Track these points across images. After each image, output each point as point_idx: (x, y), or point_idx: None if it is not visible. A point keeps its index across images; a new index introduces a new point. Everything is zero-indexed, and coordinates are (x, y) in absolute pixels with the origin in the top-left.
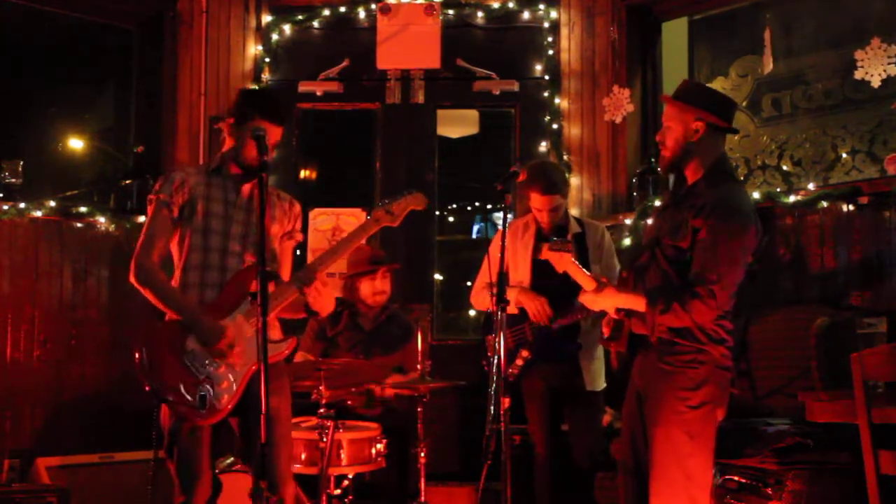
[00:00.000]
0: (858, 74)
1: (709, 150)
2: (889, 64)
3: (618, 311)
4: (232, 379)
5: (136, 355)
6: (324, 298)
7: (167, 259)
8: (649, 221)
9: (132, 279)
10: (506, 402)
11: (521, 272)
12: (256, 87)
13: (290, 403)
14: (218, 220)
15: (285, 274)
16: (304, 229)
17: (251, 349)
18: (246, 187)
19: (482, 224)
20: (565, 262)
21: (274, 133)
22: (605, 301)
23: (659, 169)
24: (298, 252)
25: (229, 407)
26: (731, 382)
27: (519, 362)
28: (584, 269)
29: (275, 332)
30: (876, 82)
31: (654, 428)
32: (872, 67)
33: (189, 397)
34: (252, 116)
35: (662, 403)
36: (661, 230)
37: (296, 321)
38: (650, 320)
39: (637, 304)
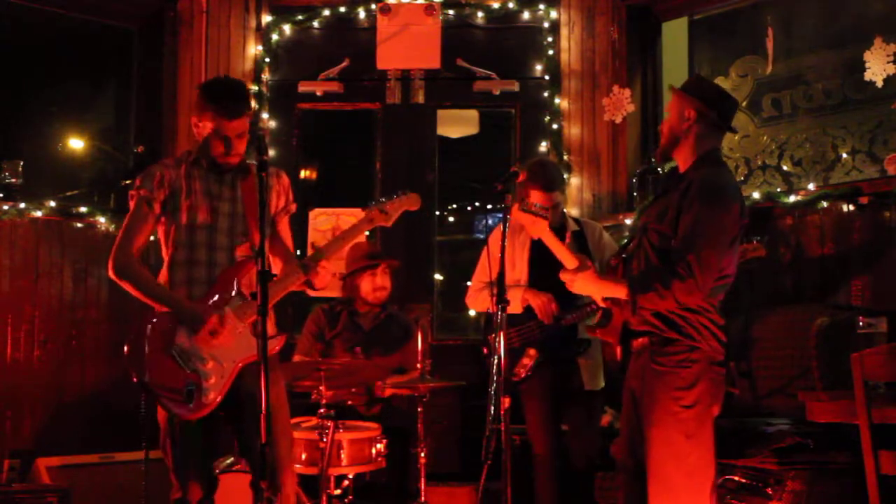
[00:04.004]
0: (868, 75)
1: (700, 141)
2: (888, 63)
3: (605, 298)
4: (219, 375)
5: (126, 348)
6: (324, 276)
7: (158, 256)
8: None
9: (110, 273)
10: (506, 402)
11: (518, 270)
12: (212, 81)
13: (285, 394)
14: (202, 213)
15: (289, 244)
16: (305, 229)
17: (239, 345)
18: (228, 176)
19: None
20: (540, 229)
21: (232, 127)
22: (583, 283)
23: (654, 158)
24: (298, 252)
25: (217, 402)
26: (726, 377)
27: (527, 361)
28: (563, 244)
29: (268, 326)
30: (880, 82)
31: (650, 429)
32: (876, 66)
33: (176, 392)
34: (207, 113)
35: (657, 404)
36: (650, 216)
37: (293, 321)
38: (633, 304)
39: (619, 291)
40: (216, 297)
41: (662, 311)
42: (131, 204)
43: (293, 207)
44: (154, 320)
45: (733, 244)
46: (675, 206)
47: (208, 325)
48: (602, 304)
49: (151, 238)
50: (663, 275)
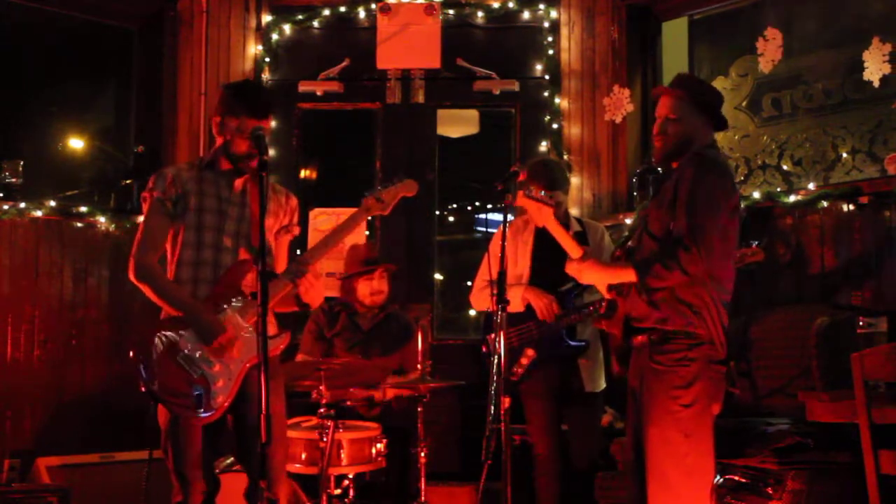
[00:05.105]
0: (867, 75)
1: (702, 143)
2: (884, 62)
3: (609, 289)
4: (227, 377)
5: (131, 355)
6: (315, 290)
7: (161, 255)
8: None
9: (131, 276)
10: (506, 402)
11: (520, 268)
12: (240, 82)
13: (284, 402)
14: (211, 215)
15: (280, 268)
16: (305, 229)
17: (245, 347)
18: (238, 182)
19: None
20: (545, 216)
21: (259, 126)
22: (590, 272)
23: (655, 159)
24: (298, 251)
25: (226, 405)
26: (726, 376)
27: (524, 361)
28: (568, 232)
29: (270, 327)
30: (876, 81)
31: (649, 428)
32: (874, 66)
33: (185, 397)
34: (235, 113)
35: (656, 403)
36: (649, 208)
37: (295, 321)
38: (643, 286)
39: (626, 275)
40: (217, 298)
41: (670, 293)
42: (145, 207)
43: (296, 230)
44: (159, 326)
45: (732, 212)
46: (671, 189)
47: (219, 341)
48: (607, 296)
49: None
50: (667, 250)
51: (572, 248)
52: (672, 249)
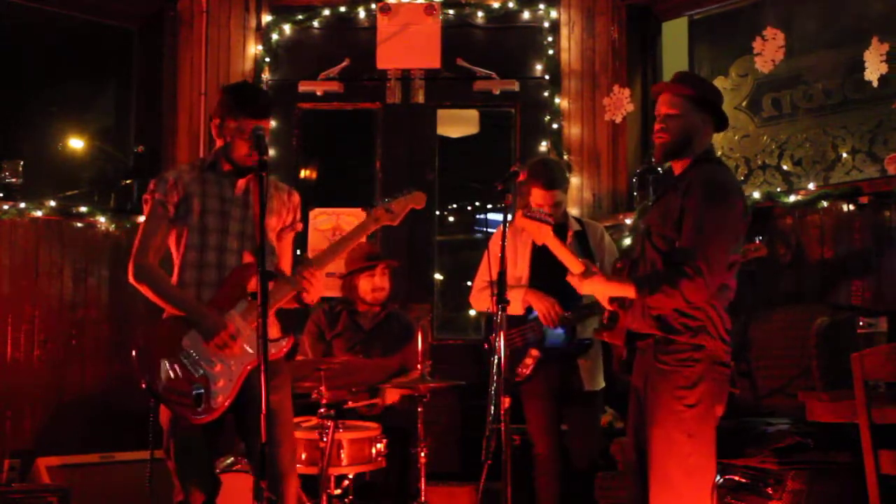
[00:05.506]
0: (868, 75)
1: (701, 141)
2: (881, 62)
3: (611, 301)
4: (228, 378)
5: (133, 353)
6: (315, 289)
7: (166, 258)
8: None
9: (131, 279)
10: (506, 402)
11: (519, 269)
12: (238, 83)
13: (291, 399)
14: (215, 217)
15: (286, 266)
16: (304, 229)
17: (247, 348)
18: (240, 182)
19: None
20: (544, 235)
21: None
22: (591, 285)
23: (655, 158)
24: (298, 252)
25: (226, 405)
26: (730, 378)
27: (529, 361)
28: (567, 249)
29: (273, 331)
30: (875, 81)
31: (653, 428)
32: (872, 66)
33: (185, 396)
34: (235, 115)
35: (660, 403)
36: (652, 219)
37: (296, 321)
38: (641, 304)
39: (626, 291)
40: (222, 301)
41: (671, 310)
42: (146, 209)
43: (299, 227)
44: (161, 324)
45: (738, 241)
46: (677, 206)
47: (221, 338)
48: (608, 307)
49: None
50: (670, 275)
51: (573, 264)
52: (675, 276)
